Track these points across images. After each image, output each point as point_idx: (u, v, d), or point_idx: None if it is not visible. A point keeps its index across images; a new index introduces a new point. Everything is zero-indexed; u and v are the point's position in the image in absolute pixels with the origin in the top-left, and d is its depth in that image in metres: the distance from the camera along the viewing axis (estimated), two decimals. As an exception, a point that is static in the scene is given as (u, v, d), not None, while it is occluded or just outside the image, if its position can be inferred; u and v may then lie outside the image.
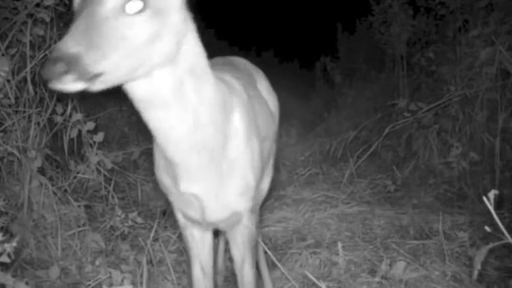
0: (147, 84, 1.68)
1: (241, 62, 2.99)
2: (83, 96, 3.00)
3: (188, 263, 2.52)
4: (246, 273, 2.44)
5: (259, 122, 2.36)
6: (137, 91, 1.70)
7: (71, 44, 1.43)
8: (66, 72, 1.41)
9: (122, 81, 1.62)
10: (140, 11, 1.52)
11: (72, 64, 1.41)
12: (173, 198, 2.25)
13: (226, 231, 2.40)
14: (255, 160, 2.17)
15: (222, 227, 2.39)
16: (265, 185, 3.05)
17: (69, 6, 3.68)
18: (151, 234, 3.10)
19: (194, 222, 2.32)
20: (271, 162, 3.00)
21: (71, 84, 1.45)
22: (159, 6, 1.57)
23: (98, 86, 1.51)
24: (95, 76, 1.47)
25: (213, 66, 2.12)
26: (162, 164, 2.14)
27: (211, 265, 2.52)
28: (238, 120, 2.07)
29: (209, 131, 1.90)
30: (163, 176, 2.19)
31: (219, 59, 2.90)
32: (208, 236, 2.49)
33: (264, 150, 2.54)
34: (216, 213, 2.18)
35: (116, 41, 1.49)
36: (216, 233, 3.47)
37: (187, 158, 1.94)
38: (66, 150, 3.71)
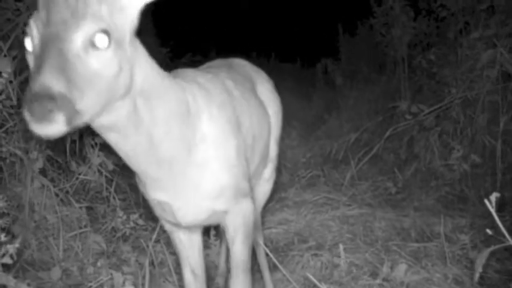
0: (105, 114, 1.60)
1: (241, 63, 2.99)
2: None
3: (180, 266, 2.54)
4: (236, 251, 2.34)
5: (245, 121, 2.35)
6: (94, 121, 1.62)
7: (52, 81, 1.33)
8: (58, 111, 1.33)
9: (91, 120, 1.54)
10: (107, 45, 1.47)
11: (62, 102, 1.33)
12: (151, 205, 2.24)
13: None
14: (231, 159, 2.12)
15: (208, 224, 2.39)
16: (267, 187, 3.06)
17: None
18: (154, 236, 3.10)
19: (177, 225, 2.31)
20: (272, 165, 3.01)
21: (58, 125, 1.35)
22: (118, 38, 1.53)
23: (72, 125, 1.40)
24: (76, 116, 1.39)
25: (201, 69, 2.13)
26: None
27: (202, 268, 2.54)
28: (206, 124, 2.02)
29: (165, 146, 1.86)
30: (139, 184, 2.19)
31: (219, 61, 2.92)
32: (197, 239, 2.50)
33: (256, 149, 2.55)
34: (189, 216, 2.14)
35: (90, 77, 1.43)
36: (216, 234, 3.48)
37: (148, 170, 1.94)
38: (67, 151, 3.72)
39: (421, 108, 5.04)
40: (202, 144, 2.00)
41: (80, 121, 1.43)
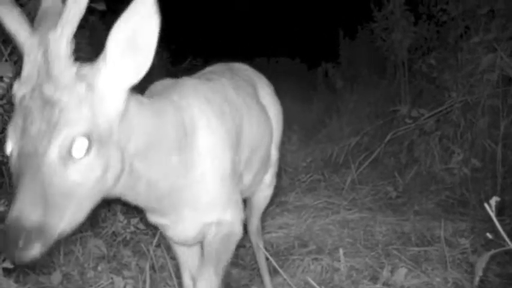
0: None
1: (242, 68, 2.98)
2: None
3: (179, 271, 2.54)
4: (208, 247, 2.17)
5: (245, 130, 2.34)
6: None
7: (27, 211, 1.29)
8: (33, 242, 1.28)
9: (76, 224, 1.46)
10: (88, 150, 1.39)
11: (37, 233, 1.29)
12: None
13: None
14: (226, 171, 2.09)
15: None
16: (267, 192, 3.06)
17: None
18: (155, 240, 3.10)
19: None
20: (272, 171, 3.01)
21: (34, 252, 1.29)
22: (101, 135, 1.44)
23: (48, 247, 1.35)
24: (55, 237, 1.35)
25: (203, 75, 2.11)
26: None
27: None
28: (203, 136, 1.99)
29: (162, 184, 1.83)
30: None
31: (220, 66, 2.91)
32: (196, 244, 2.49)
33: (257, 156, 2.55)
34: (182, 233, 2.12)
35: (71, 191, 1.37)
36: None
37: (147, 205, 1.94)
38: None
39: (422, 112, 5.04)
40: (199, 158, 1.97)
41: (61, 237, 1.39)
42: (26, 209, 1.29)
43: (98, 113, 1.45)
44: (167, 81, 2.26)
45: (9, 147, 1.41)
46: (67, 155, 1.36)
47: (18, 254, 1.28)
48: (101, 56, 1.51)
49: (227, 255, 2.19)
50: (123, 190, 1.68)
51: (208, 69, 2.82)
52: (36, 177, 1.32)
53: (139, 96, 1.74)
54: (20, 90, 1.42)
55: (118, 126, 1.52)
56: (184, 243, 2.30)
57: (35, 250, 1.30)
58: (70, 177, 1.37)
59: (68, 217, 1.38)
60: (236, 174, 2.22)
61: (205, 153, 1.99)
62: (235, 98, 2.40)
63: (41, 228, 1.30)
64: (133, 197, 1.81)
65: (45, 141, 1.34)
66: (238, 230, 2.21)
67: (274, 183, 3.07)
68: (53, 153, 1.34)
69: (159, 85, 2.23)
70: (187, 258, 2.47)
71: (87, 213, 1.47)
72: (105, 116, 1.47)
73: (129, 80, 1.52)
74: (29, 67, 1.43)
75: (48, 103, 1.37)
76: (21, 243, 1.27)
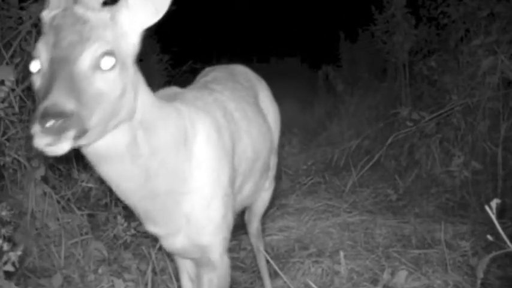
0: (104, 140, 1.62)
1: (242, 71, 2.98)
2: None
3: (178, 274, 2.54)
4: None
5: (242, 143, 2.34)
6: (92, 146, 1.63)
7: (64, 100, 1.39)
8: (69, 128, 1.37)
9: (95, 140, 1.57)
10: (113, 67, 1.52)
11: (73, 120, 1.38)
12: None
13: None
14: (224, 186, 2.10)
15: (188, 258, 2.34)
16: (266, 196, 3.06)
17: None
18: (158, 244, 3.11)
19: None
20: (271, 174, 3.01)
21: (67, 143, 1.39)
22: (123, 61, 1.57)
23: (77, 143, 1.46)
24: (84, 134, 1.44)
25: (207, 84, 2.11)
26: None
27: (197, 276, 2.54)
28: (202, 148, 2.01)
29: (160, 179, 1.84)
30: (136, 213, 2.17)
31: (220, 69, 2.91)
32: None
33: (256, 167, 2.55)
34: (174, 245, 2.11)
35: (97, 97, 1.48)
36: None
37: (140, 204, 1.92)
38: (69, 159, 3.72)
39: (422, 115, 5.04)
40: (197, 171, 1.97)
41: (86, 140, 1.49)
42: (61, 99, 1.38)
43: (120, 44, 1.58)
44: (169, 91, 2.27)
45: (37, 63, 1.51)
46: (96, 66, 1.49)
47: (53, 143, 1.37)
48: None
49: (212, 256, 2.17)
50: (123, 166, 1.72)
51: (211, 74, 2.79)
52: (69, 80, 1.43)
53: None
54: (49, 14, 1.58)
55: (133, 69, 1.65)
56: (178, 256, 2.31)
57: (69, 140, 1.39)
58: (97, 84, 1.49)
59: (93, 120, 1.46)
60: (232, 190, 2.21)
61: (204, 167, 2.00)
62: (235, 111, 2.40)
63: (76, 116, 1.39)
64: (128, 189, 1.81)
65: (77, 50, 1.47)
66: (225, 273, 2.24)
67: (273, 186, 3.07)
68: (84, 60, 1.47)
69: (161, 93, 2.24)
70: (186, 261, 2.48)
71: (105, 128, 1.56)
72: (124, 49, 1.60)
73: (146, 20, 1.65)
74: None
75: (79, 20, 1.52)
76: (61, 126, 1.35)
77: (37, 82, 1.51)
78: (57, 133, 1.35)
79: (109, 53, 1.51)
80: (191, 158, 1.95)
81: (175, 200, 1.95)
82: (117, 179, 1.77)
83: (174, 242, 2.08)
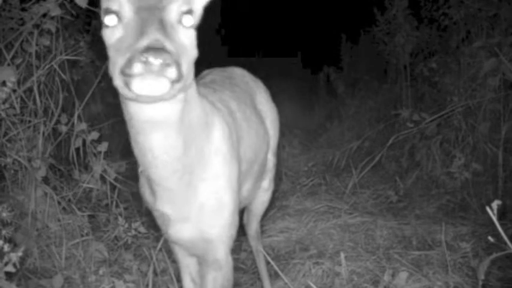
0: (164, 105, 1.64)
1: (239, 73, 2.97)
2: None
3: (180, 274, 2.54)
4: None
5: (243, 144, 2.35)
6: (148, 112, 1.65)
7: (163, 38, 1.42)
8: (171, 65, 1.38)
9: (179, 93, 1.60)
10: (191, 26, 1.59)
11: (174, 57, 1.40)
12: (155, 214, 2.22)
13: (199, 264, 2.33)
14: (234, 181, 2.13)
15: (192, 254, 2.35)
16: (265, 197, 3.06)
17: (75, 16, 3.72)
18: (159, 245, 3.10)
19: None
20: (270, 175, 3.01)
21: (167, 83, 1.41)
22: (195, 25, 1.64)
23: (171, 93, 1.49)
24: (179, 80, 1.45)
25: (207, 84, 2.13)
26: (144, 182, 2.13)
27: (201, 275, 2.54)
28: (219, 139, 2.05)
29: (192, 153, 1.88)
30: (146, 194, 2.17)
31: (218, 71, 2.90)
32: None
33: (254, 169, 2.56)
34: (180, 233, 2.11)
35: (182, 49, 1.53)
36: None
37: (169, 181, 1.91)
38: (71, 159, 3.73)
39: (423, 116, 5.04)
40: (216, 157, 2.01)
41: (177, 89, 1.50)
42: (161, 36, 1.41)
43: (195, 7, 1.65)
44: None
45: (113, 17, 1.54)
46: (179, 20, 1.56)
47: (155, 79, 1.38)
48: None
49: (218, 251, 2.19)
50: (170, 134, 1.74)
51: (209, 77, 2.78)
52: (160, 23, 1.47)
53: None
54: None
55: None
56: (181, 245, 2.29)
57: (169, 80, 1.40)
58: (181, 36, 1.55)
59: (184, 68, 1.49)
60: (239, 189, 2.24)
61: (221, 157, 2.04)
62: (237, 111, 2.43)
63: (174, 55, 1.40)
64: (165, 161, 1.81)
65: (165, 1, 1.53)
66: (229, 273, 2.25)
67: (272, 187, 3.07)
68: (172, 11, 1.53)
69: None
70: (188, 262, 2.48)
71: (186, 85, 1.61)
72: (196, 14, 1.67)
73: None
74: None
75: None
76: (165, 58, 1.36)
77: (117, 33, 1.53)
78: (159, 71, 1.37)
79: (190, 12, 1.57)
80: (210, 144, 2.00)
81: (195, 184, 1.97)
82: (160, 149, 1.77)
83: (182, 230, 2.08)
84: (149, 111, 1.64)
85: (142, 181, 2.17)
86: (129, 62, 1.37)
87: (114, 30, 1.54)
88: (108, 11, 1.54)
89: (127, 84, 1.40)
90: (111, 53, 1.52)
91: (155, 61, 1.34)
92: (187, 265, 2.48)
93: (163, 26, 1.47)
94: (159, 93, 1.42)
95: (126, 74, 1.39)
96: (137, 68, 1.35)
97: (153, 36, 1.39)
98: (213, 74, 2.83)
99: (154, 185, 1.96)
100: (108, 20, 1.54)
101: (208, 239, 2.10)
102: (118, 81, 1.45)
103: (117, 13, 1.53)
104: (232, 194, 2.11)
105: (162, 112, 1.66)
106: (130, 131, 1.76)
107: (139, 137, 1.74)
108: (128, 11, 1.51)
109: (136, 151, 1.82)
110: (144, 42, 1.37)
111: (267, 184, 2.99)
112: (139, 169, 2.03)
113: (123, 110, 1.73)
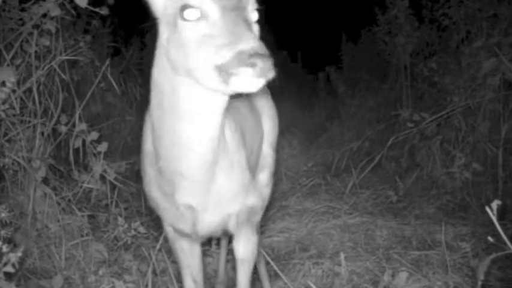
0: (224, 97, 1.81)
1: None
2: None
3: (180, 274, 2.55)
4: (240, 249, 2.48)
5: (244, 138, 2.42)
6: (211, 102, 1.81)
7: (261, 43, 1.54)
8: (271, 70, 1.54)
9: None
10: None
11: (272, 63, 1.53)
12: (164, 212, 2.28)
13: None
14: (244, 165, 2.27)
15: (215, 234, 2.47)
16: (265, 192, 3.05)
17: (75, 17, 3.72)
18: (158, 245, 3.10)
19: (184, 235, 2.35)
20: (268, 170, 3.01)
21: (263, 82, 1.57)
22: None
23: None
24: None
25: None
26: (153, 178, 2.17)
27: (201, 275, 2.57)
28: (228, 134, 2.14)
29: (220, 146, 2.00)
30: (153, 190, 2.22)
31: None
32: (197, 247, 2.53)
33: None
34: (207, 223, 2.22)
35: None
36: (218, 243, 3.49)
37: (198, 173, 2.00)
38: (70, 160, 3.73)
39: (423, 116, 5.04)
40: (225, 153, 2.09)
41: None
42: (259, 42, 1.55)
43: None
44: None
45: (196, 11, 1.64)
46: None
47: (259, 80, 1.56)
48: None
49: (257, 217, 2.50)
50: (212, 132, 1.90)
51: None
52: (248, 25, 1.64)
53: None
54: None
55: None
56: (203, 235, 2.37)
57: (270, 75, 1.57)
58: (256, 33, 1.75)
59: None
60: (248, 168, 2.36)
61: (231, 151, 2.15)
62: (241, 108, 2.49)
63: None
64: (201, 153, 1.93)
65: (244, 1, 1.68)
66: (260, 210, 2.53)
67: (271, 183, 3.06)
68: (250, 11, 1.70)
69: None
70: (190, 261, 2.49)
71: None
72: None
73: None
74: None
75: None
76: (270, 66, 1.52)
77: (201, 29, 1.63)
78: (263, 73, 1.52)
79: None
80: (225, 135, 2.11)
81: (216, 173, 2.07)
82: (199, 139, 1.89)
83: (205, 219, 2.20)
84: (212, 102, 1.80)
85: (150, 177, 2.20)
86: (235, 63, 1.51)
87: (196, 25, 1.64)
88: (188, 6, 1.64)
89: (225, 80, 1.56)
90: (193, 46, 1.64)
91: (264, 66, 1.50)
92: (189, 265, 2.50)
93: (250, 27, 1.62)
94: (257, 90, 1.59)
95: (227, 72, 1.54)
96: (246, 71, 1.51)
97: (253, 42, 1.53)
98: None
99: (177, 178, 2.02)
100: (189, 14, 1.64)
101: (228, 214, 2.27)
102: (209, 75, 1.60)
103: (199, 8, 1.64)
104: (244, 172, 2.26)
105: (222, 103, 1.83)
106: (165, 121, 1.87)
107: (180, 126, 1.84)
108: (213, 10, 1.62)
109: (167, 142, 1.91)
110: (248, 46, 1.51)
111: (266, 179, 2.98)
112: (159, 163, 2.06)
113: (160, 99, 1.85)
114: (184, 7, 1.64)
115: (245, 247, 2.46)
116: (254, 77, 1.52)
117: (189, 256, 2.48)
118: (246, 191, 2.29)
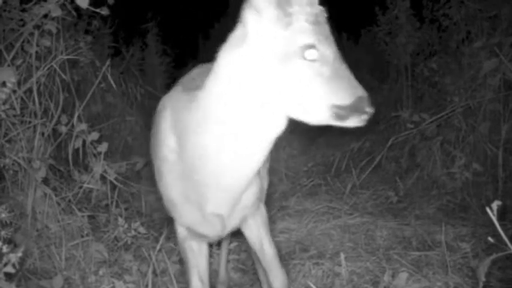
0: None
1: None
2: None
3: (187, 274, 2.55)
4: (266, 250, 2.62)
5: None
6: (282, 127, 2.00)
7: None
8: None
9: None
10: None
11: None
12: (181, 215, 2.36)
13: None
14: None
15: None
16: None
17: (76, 17, 3.72)
18: (158, 245, 3.10)
19: (199, 236, 2.40)
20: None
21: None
22: None
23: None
24: None
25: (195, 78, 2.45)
26: (174, 184, 2.23)
27: (208, 275, 2.59)
28: None
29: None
30: (172, 195, 2.28)
31: (205, 67, 2.88)
32: (204, 247, 2.57)
33: None
34: (232, 227, 2.43)
35: None
36: (218, 243, 3.48)
37: (242, 186, 2.14)
38: (70, 160, 3.72)
39: (423, 117, 5.04)
40: None
41: None
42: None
43: None
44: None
45: (315, 52, 1.82)
46: None
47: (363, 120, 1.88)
48: None
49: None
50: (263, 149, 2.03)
51: (196, 71, 2.81)
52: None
53: None
54: (308, 9, 1.88)
55: None
56: (223, 236, 2.51)
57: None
58: None
59: None
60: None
61: None
62: None
63: None
64: (246, 168, 2.06)
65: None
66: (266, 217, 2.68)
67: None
68: None
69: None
70: (198, 261, 2.52)
71: None
72: None
73: None
74: None
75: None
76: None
77: (323, 71, 1.81)
78: (370, 115, 1.85)
79: None
80: None
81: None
82: (262, 156, 2.04)
83: (229, 223, 2.35)
84: (283, 127, 1.99)
85: (168, 182, 2.28)
86: (354, 107, 1.82)
87: (314, 65, 1.80)
88: (309, 46, 1.78)
89: (340, 117, 1.83)
90: (316, 84, 1.80)
91: (372, 110, 1.85)
92: (197, 265, 2.53)
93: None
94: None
95: (346, 111, 1.82)
96: (364, 116, 1.86)
97: (363, 91, 1.85)
98: (199, 68, 2.83)
99: (213, 191, 2.13)
100: (309, 54, 1.79)
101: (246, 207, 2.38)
102: (321, 110, 1.83)
103: (320, 50, 1.80)
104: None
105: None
106: (229, 142, 1.96)
107: (246, 147, 1.97)
108: (328, 52, 1.82)
109: (225, 161, 2.00)
110: (365, 94, 1.85)
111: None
112: (195, 177, 2.12)
113: (237, 123, 1.93)
114: (307, 47, 1.77)
115: (256, 217, 2.56)
116: (365, 118, 1.83)
117: (198, 256, 2.52)
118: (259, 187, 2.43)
